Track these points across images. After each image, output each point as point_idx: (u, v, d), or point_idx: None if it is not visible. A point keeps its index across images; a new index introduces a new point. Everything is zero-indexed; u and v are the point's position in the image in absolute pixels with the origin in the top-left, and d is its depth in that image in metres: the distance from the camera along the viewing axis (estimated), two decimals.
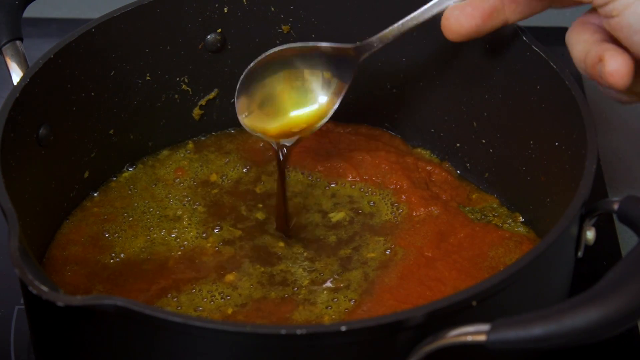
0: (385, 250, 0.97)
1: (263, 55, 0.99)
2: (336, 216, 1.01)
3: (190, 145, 1.09)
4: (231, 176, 1.05)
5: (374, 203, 1.02)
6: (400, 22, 0.96)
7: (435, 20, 0.95)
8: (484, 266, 0.95)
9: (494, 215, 1.01)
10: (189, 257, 0.97)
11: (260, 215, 1.01)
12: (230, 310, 0.92)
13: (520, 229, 0.99)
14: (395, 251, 0.97)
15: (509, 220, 1.00)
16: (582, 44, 0.88)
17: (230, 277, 0.95)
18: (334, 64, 0.98)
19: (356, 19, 1.06)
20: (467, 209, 1.02)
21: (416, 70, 1.05)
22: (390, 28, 0.96)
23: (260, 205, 1.02)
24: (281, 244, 0.98)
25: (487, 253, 0.96)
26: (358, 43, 0.97)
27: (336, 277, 0.95)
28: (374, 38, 0.97)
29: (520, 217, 1.00)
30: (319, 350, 0.76)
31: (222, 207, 1.02)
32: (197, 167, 1.06)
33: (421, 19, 0.96)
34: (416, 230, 0.98)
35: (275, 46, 1.06)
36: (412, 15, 0.96)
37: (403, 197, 1.01)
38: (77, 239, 0.99)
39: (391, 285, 0.93)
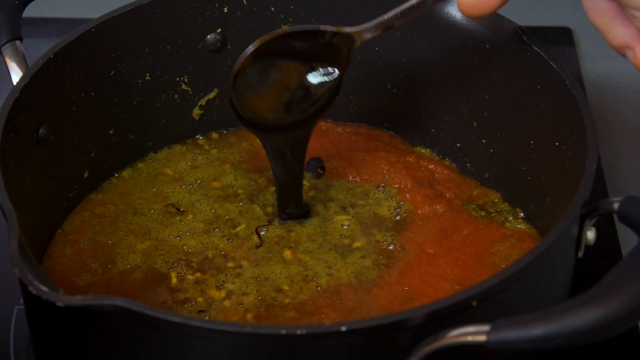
0: (387, 248, 0.97)
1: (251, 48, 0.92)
2: (337, 216, 1.01)
3: (191, 145, 1.09)
4: (231, 174, 1.05)
5: (376, 203, 1.02)
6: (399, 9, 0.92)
7: (434, 18, 0.94)
8: (486, 263, 0.95)
9: (495, 211, 1.01)
10: (191, 256, 0.97)
11: (259, 211, 1.01)
12: (239, 308, 0.92)
13: (521, 226, 0.99)
14: (397, 249, 0.97)
15: (510, 217, 1.00)
16: (598, 14, 0.86)
17: (234, 276, 0.95)
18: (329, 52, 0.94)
19: (356, 19, 1.05)
20: (472, 206, 1.02)
21: (416, 70, 1.05)
22: (390, 13, 0.92)
23: (261, 203, 1.02)
24: (281, 242, 0.98)
25: (490, 250, 0.96)
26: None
27: (336, 274, 0.95)
28: (370, 24, 0.93)
29: (521, 213, 1.00)
30: (319, 350, 0.76)
31: (223, 206, 1.02)
32: (197, 166, 1.06)
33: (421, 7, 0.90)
34: (419, 228, 0.98)
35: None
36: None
37: (407, 195, 1.01)
38: (77, 239, 0.99)
39: (391, 282, 0.93)
